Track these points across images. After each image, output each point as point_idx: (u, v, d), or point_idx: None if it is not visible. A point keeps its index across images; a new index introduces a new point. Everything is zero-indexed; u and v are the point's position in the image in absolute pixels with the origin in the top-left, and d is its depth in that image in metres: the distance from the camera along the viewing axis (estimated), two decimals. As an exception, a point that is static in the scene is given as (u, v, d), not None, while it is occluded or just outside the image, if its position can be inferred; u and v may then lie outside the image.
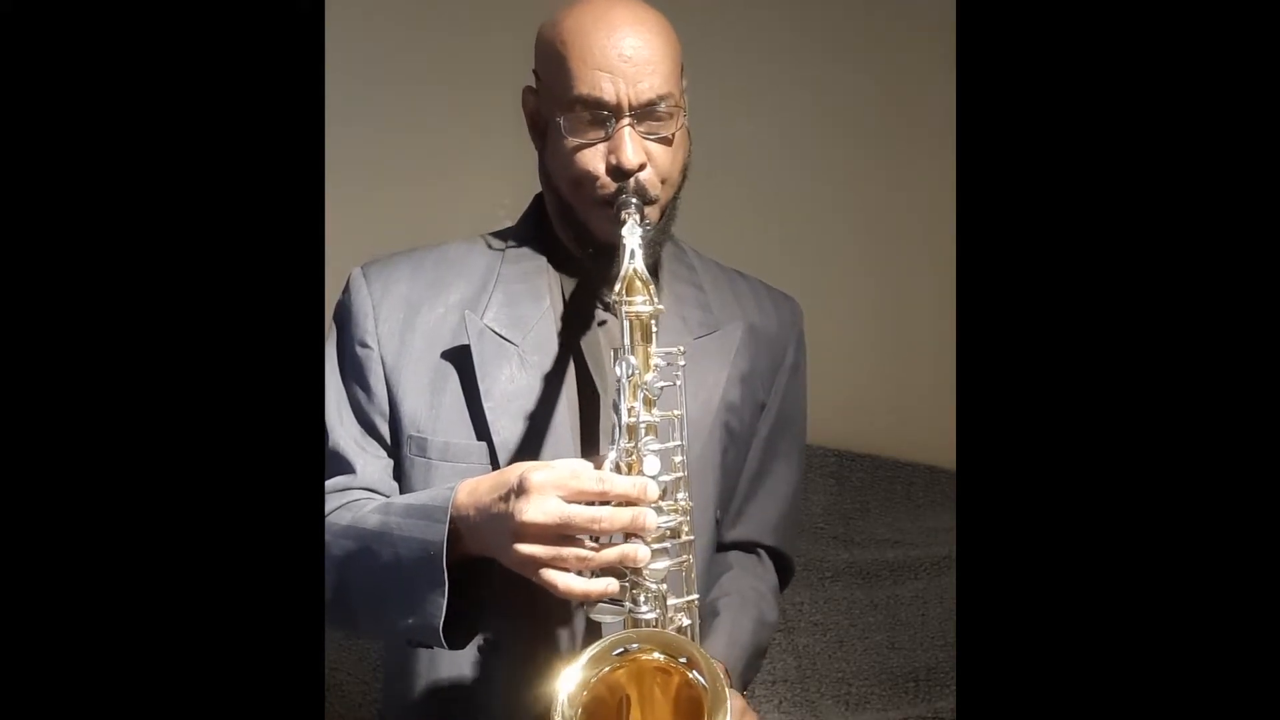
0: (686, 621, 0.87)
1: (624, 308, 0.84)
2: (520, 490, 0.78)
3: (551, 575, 0.78)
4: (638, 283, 0.84)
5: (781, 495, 1.11)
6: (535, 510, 0.77)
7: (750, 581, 1.07)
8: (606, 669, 0.79)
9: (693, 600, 0.88)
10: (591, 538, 0.79)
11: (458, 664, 0.95)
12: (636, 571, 0.81)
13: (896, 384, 2.45)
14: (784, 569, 1.15)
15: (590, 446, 0.95)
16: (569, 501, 0.77)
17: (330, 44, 0.85)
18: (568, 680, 0.77)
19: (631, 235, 0.86)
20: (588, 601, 0.80)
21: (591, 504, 0.79)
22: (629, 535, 0.80)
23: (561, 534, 0.78)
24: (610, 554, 0.79)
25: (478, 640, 0.93)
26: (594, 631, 0.91)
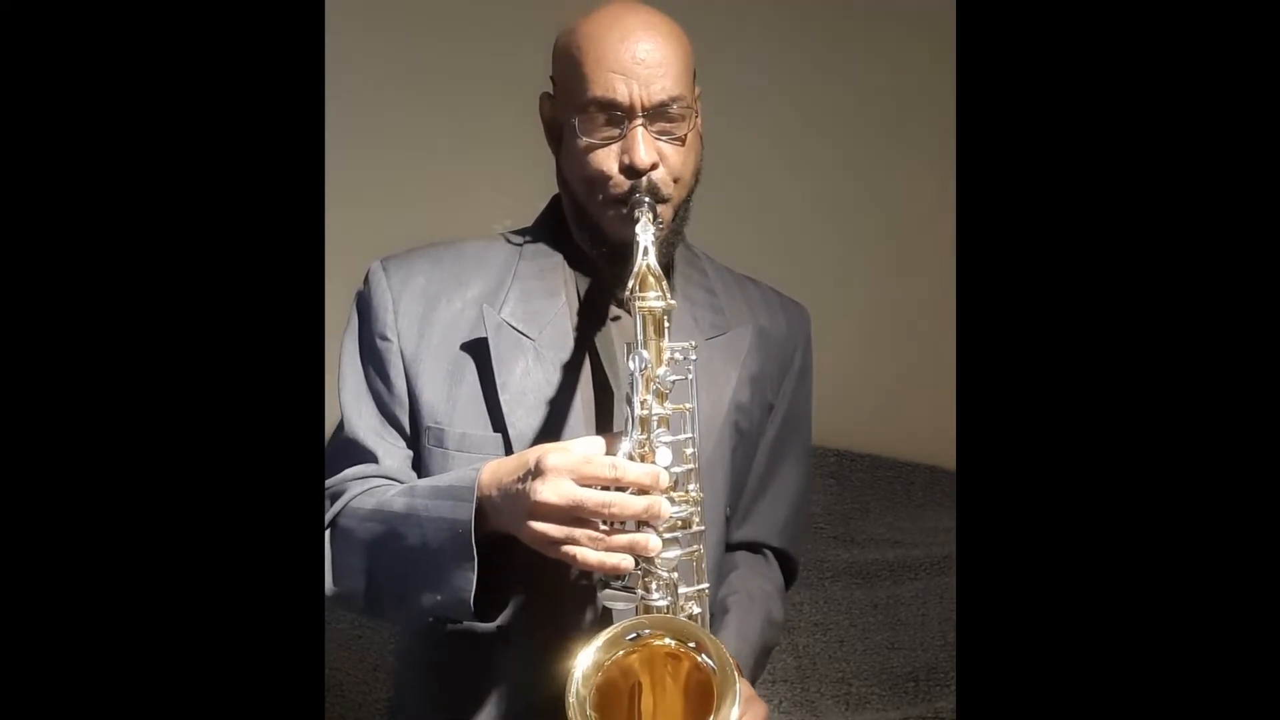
0: (697, 610, 0.90)
1: (637, 303, 0.87)
2: (537, 471, 0.81)
3: (567, 548, 0.81)
4: (650, 278, 0.87)
5: (788, 497, 1.13)
6: (549, 491, 0.80)
7: (758, 581, 1.09)
8: (620, 653, 0.82)
9: (703, 589, 0.90)
10: (604, 522, 0.82)
11: (468, 650, 0.96)
12: (648, 560, 0.83)
13: (896, 384, 2.45)
14: (789, 570, 1.17)
15: None
16: (582, 485, 0.80)
17: (330, 44, 0.85)
18: (582, 660, 0.80)
19: (645, 232, 0.89)
20: (603, 572, 0.82)
21: (606, 489, 0.81)
22: (642, 524, 0.82)
23: (574, 515, 0.81)
24: (620, 540, 0.81)
25: (489, 626, 0.94)
26: (606, 618, 0.92)
